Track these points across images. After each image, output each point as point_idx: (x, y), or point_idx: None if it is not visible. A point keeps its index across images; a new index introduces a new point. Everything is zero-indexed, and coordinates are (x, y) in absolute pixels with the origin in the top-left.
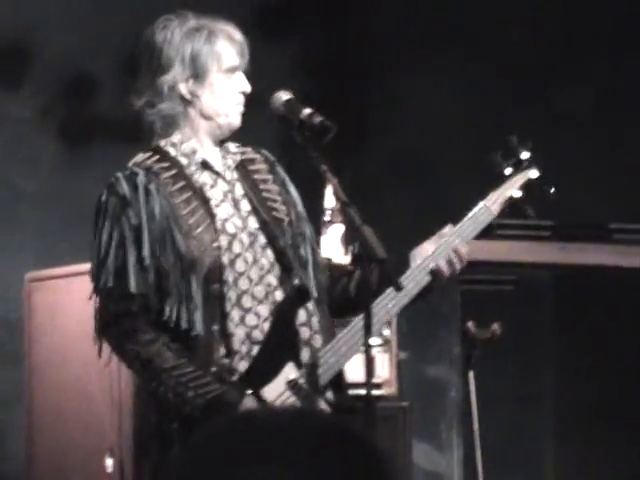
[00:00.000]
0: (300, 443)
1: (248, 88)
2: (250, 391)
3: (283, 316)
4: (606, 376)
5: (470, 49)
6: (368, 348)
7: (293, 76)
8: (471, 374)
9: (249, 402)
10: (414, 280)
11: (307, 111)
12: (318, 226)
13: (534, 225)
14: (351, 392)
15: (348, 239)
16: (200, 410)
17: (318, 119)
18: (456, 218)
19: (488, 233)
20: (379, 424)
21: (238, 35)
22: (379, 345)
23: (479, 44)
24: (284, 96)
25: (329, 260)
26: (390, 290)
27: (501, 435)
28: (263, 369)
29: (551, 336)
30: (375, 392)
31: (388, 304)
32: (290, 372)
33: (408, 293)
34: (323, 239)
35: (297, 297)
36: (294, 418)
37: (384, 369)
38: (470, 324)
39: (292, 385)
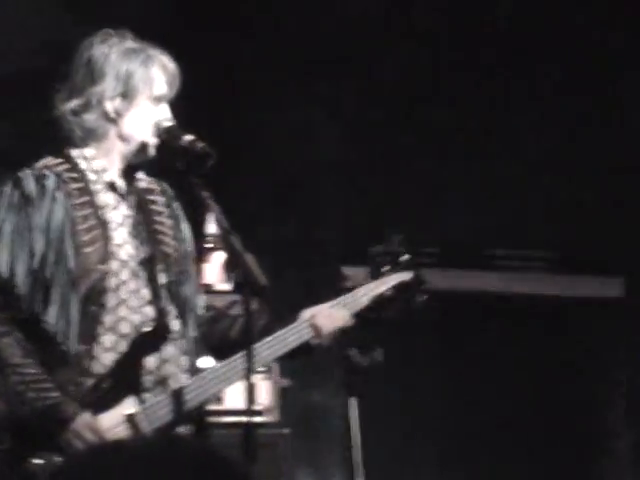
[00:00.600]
0: (172, 471)
1: (170, 120)
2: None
3: (135, 350)
4: (491, 403)
5: (348, 81)
6: (249, 374)
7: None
8: (353, 401)
9: (85, 418)
10: (297, 334)
11: (188, 138)
12: (199, 253)
13: (419, 252)
14: (231, 419)
15: (229, 266)
16: (37, 415)
17: (200, 146)
18: (333, 248)
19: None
20: (260, 451)
21: (172, 66)
22: (261, 372)
23: (357, 75)
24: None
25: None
26: (269, 338)
27: (385, 463)
28: (104, 398)
29: (435, 362)
30: (256, 419)
31: (264, 352)
32: (130, 407)
33: (287, 345)
34: (205, 266)
35: (154, 335)
36: (165, 446)
37: (266, 396)
38: (353, 351)
39: (128, 419)
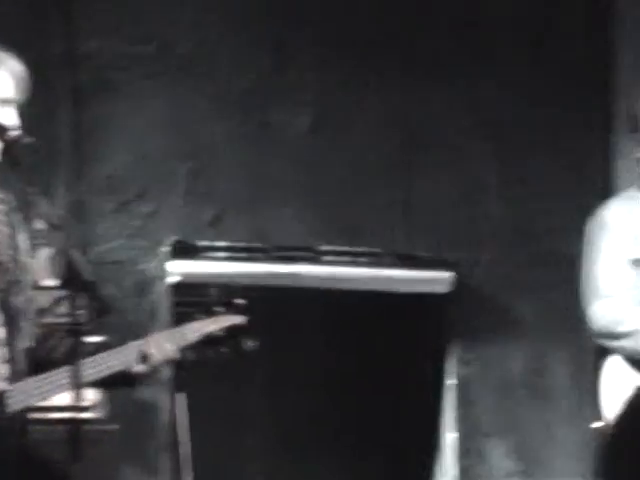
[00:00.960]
0: None
1: (15, 124)
2: None
3: None
4: (317, 399)
5: (182, 72)
6: (77, 372)
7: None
8: (180, 396)
9: None
10: (122, 358)
11: (14, 133)
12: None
13: (246, 247)
14: (57, 415)
15: (56, 262)
16: None
17: (25, 139)
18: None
19: (199, 255)
20: (86, 448)
21: (21, 69)
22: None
23: (192, 67)
24: None
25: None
26: (94, 358)
27: (213, 456)
28: None
29: (262, 358)
30: (83, 415)
31: (87, 370)
32: None
33: (111, 367)
34: (31, 262)
35: None
36: None
37: (93, 392)
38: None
39: None
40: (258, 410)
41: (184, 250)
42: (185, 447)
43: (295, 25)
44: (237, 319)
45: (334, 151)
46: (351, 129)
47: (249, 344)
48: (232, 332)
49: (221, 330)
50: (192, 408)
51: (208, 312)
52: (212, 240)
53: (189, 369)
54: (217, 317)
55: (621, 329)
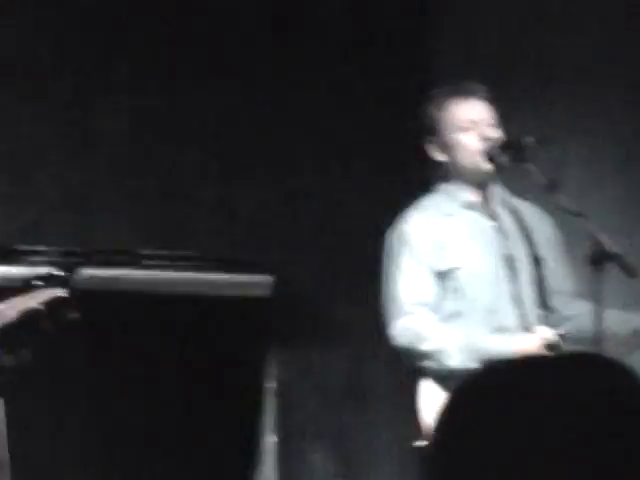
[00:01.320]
0: None
1: None
2: None
3: None
4: (138, 404)
5: (1, 76)
6: None
7: None
8: None
9: None
10: None
11: None
12: None
13: (66, 251)
14: None
15: None
16: None
17: None
18: None
19: (19, 259)
20: None
21: None
22: None
23: (11, 71)
24: None
25: None
26: None
27: (33, 464)
28: None
29: (84, 362)
30: None
31: None
32: None
33: None
34: None
35: None
36: None
37: None
38: None
39: None
40: (79, 416)
41: (3, 254)
42: (3, 454)
43: (117, 27)
44: (57, 292)
45: (154, 155)
46: (172, 134)
47: (72, 316)
48: (53, 305)
49: (42, 304)
50: (11, 415)
51: (27, 287)
52: (32, 244)
53: (8, 374)
54: (36, 292)
55: (423, 348)
